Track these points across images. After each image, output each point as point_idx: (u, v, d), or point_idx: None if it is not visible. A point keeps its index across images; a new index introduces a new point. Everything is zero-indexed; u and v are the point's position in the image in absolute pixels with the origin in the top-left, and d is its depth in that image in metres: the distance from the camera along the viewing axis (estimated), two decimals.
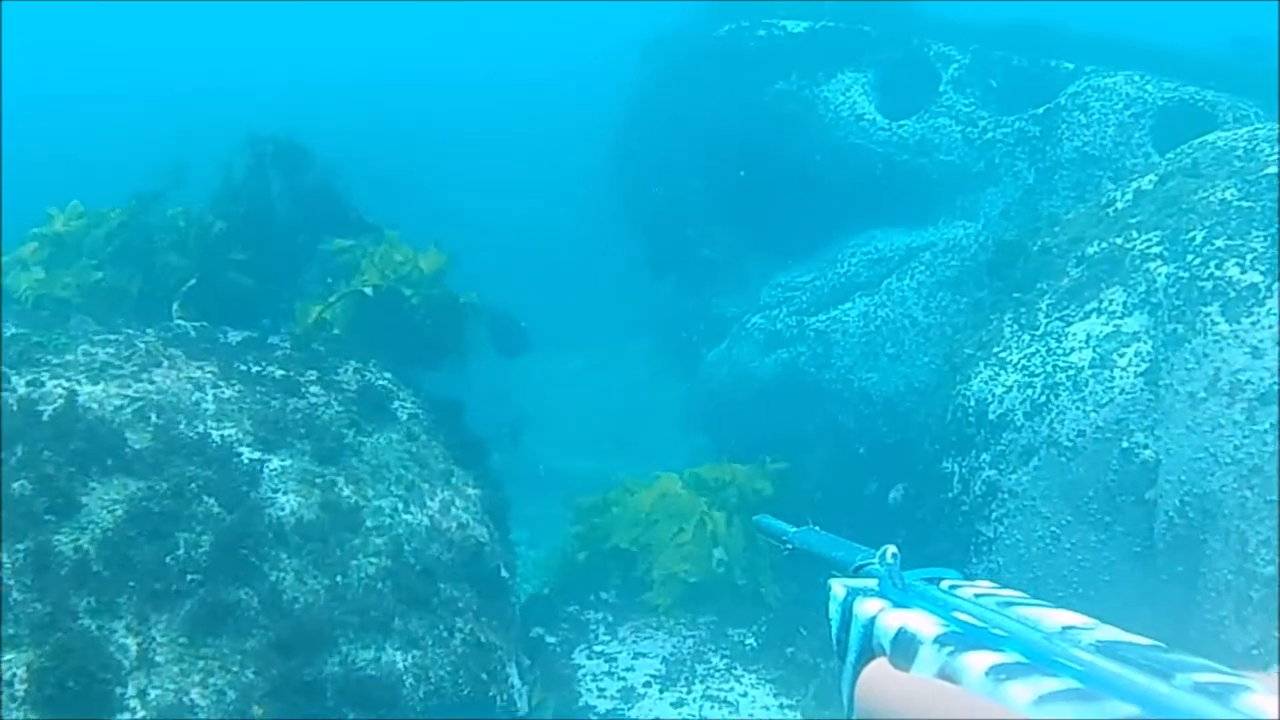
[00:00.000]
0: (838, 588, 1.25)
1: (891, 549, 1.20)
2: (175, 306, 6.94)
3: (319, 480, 5.70)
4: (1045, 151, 10.96)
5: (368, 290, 7.52)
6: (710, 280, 13.51)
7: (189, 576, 5.08)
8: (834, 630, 1.23)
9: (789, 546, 1.66)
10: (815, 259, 12.31)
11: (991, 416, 7.38)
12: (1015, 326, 7.72)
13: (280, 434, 5.84)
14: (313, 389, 6.32)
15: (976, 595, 1.14)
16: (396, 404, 6.64)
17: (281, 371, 6.35)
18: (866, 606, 1.17)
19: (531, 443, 14.09)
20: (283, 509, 5.50)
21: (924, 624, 1.07)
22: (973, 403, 7.57)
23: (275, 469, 5.67)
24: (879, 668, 1.07)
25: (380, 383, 6.71)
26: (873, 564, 1.34)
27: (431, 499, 6.15)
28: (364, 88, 23.50)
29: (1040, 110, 11.11)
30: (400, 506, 5.92)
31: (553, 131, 21.83)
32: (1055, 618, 1.04)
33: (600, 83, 17.10)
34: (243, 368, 6.28)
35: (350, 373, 6.63)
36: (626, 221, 14.94)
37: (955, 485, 7.57)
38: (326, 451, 5.86)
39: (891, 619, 1.11)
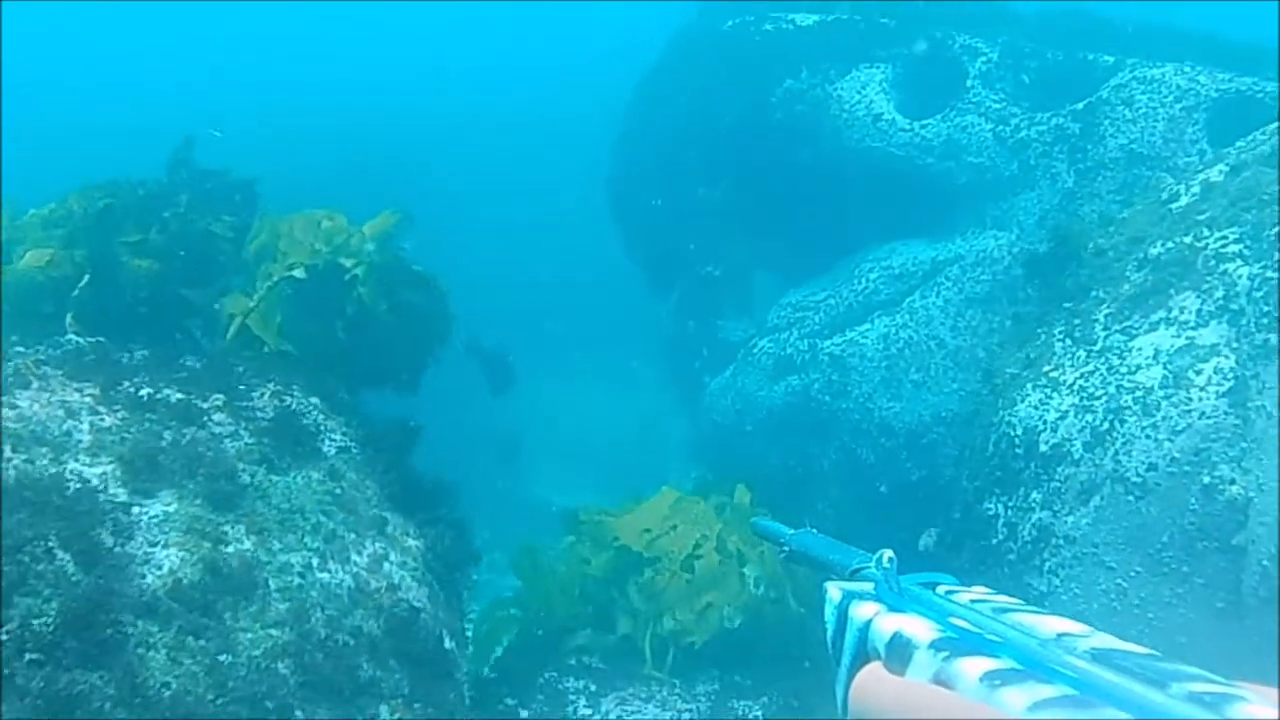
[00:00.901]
0: (834, 591, 1.24)
1: (888, 553, 1.20)
2: (69, 317, 5.78)
3: (210, 531, 4.51)
4: (1086, 150, 9.84)
5: (298, 273, 6.15)
6: (714, 300, 12.44)
7: (28, 655, 3.92)
8: (829, 633, 1.21)
9: (786, 549, 1.64)
10: (829, 276, 11.24)
11: (1043, 447, 6.22)
12: (1068, 341, 6.60)
13: (167, 473, 4.67)
14: (216, 416, 5.12)
15: (972, 601, 1.12)
16: (323, 435, 5.44)
17: (180, 395, 5.16)
18: (862, 610, 1.15)
19: (522, 476, 13.19)
20: (159, 567, 4.31)
21: (919, 628, 1.05)
22: (1020, 431, 6.41)
23: (155, 516, 4.48)
24: (873, 672, 1.06)
25: (302, 408, 5.48)
26: (869, 568, 1.30)
27: (358, 553, 4.94)
28: (346, 106, 22.65)
29: (1080, 105, 10.01)
30: (315, 563, 4.71)
31: (545, 143, 21.04)
32: (1050, 624, 1.03)
33: (595, 86, 16.25)
34: (131, 390, 5.10)
35: (267, 396, 5.42)
36: (624, 237, 13.91)
37: (1000, 529, 6.41)
38: (223, 495, 4.66)
39: (887, 623, 1.10)
